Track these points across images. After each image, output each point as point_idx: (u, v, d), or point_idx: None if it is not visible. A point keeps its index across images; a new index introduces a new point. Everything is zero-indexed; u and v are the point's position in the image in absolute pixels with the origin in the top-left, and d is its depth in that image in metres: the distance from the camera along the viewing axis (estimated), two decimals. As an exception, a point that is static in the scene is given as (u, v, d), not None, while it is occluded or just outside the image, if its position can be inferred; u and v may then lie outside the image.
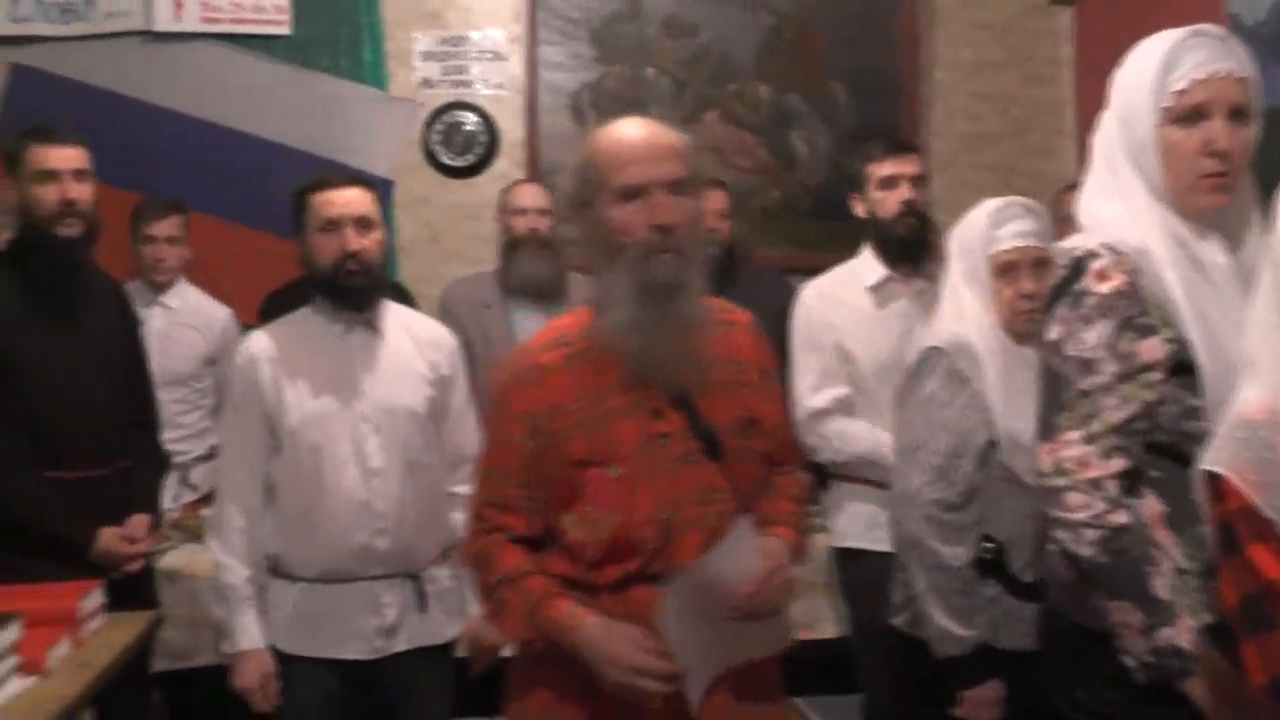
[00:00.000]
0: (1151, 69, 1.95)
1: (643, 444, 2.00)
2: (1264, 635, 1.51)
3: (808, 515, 2.32)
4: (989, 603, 2.51)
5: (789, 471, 2.25)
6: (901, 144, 3.54)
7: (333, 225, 2.67)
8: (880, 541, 2.86)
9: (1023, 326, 2.50)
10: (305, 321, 2.77)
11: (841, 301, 3.29)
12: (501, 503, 2.07)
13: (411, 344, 2.80)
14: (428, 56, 5.11)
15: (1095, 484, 1.88)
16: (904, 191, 3.27)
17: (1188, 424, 1.87)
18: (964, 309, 2.61)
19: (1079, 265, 1.94)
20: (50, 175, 2.97)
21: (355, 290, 2.69)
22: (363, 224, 2.68)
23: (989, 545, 2.51)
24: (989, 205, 2.65)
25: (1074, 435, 1.90)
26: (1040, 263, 2.47)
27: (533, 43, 5.07)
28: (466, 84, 5.13)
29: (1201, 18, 4.29)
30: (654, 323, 1.97)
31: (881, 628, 2.77)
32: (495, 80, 5.13)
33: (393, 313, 2.82)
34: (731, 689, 2.02)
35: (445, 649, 2.83)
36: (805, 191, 5.08)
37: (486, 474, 2.13)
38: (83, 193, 3.01)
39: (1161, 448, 1.91)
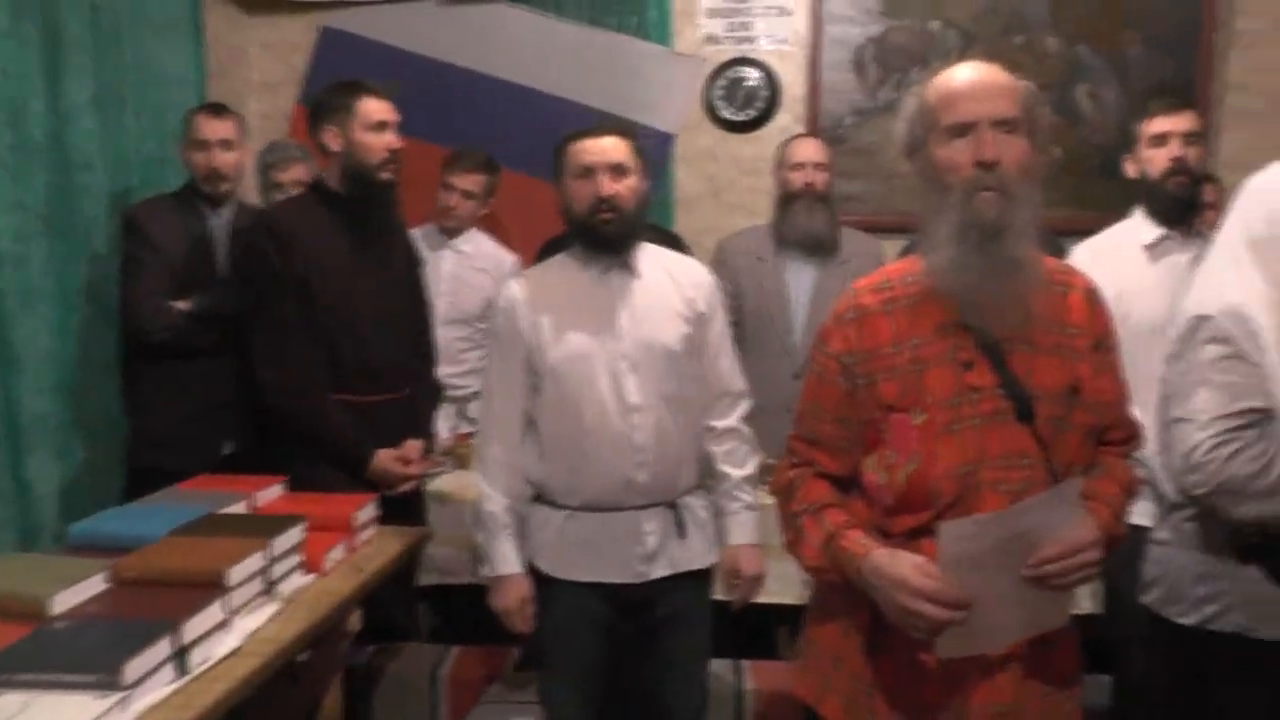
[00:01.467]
0: None
1: (952, 395, 1.97)
2: None
3: (1131, 504, 2.16)
4: (1249, 592, 2.34)
5: (1122, 453, 2.16)
6: (1176, 99, 3.38)
7: (587, 172, 2.76)
8: (1135, 514, 2.74)
9: None
10: (563, 266, 2.87)
11: (1116, 259, 3.17)
12: (812, 438, 2.11)
13: (668, 283, 2.86)
14: (713, 13, 5.18)
15: None
16: (1174, 148, 3.16)
17: None
18: (1244, 275, 2.35)
19: None
20: (382, 126, 3.24)
21: (608, 235, 2.77)
22: (617, 170, 2.76)
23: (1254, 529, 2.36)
24: None
25: None
26: None
27: (819, -3, 5.05)
28: (750, 40, 5.17)
29: None
30: (973, 263, 1.92)
31: (1133, 606, 2.62)
32: (779, 35, 5.15)
33: (649, 254, 2.89)
34: (1020, 663, 1.99)
35: (705, 575, 2.90)
36: (1091, 150, 4.87)
37: (803, 408, 2.15)
38: (399, 143, 3.27)
39: None
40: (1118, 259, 3.16)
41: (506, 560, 2.79)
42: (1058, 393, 1.98)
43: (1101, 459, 2.09)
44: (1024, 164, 1.93)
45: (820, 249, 4.11)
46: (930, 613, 1.84)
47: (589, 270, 2.82)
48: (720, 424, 2.91)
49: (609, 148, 2.78)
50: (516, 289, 2.86)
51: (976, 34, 4.92)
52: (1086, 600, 3.40)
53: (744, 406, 2.96)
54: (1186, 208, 3.20)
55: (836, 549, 1.98)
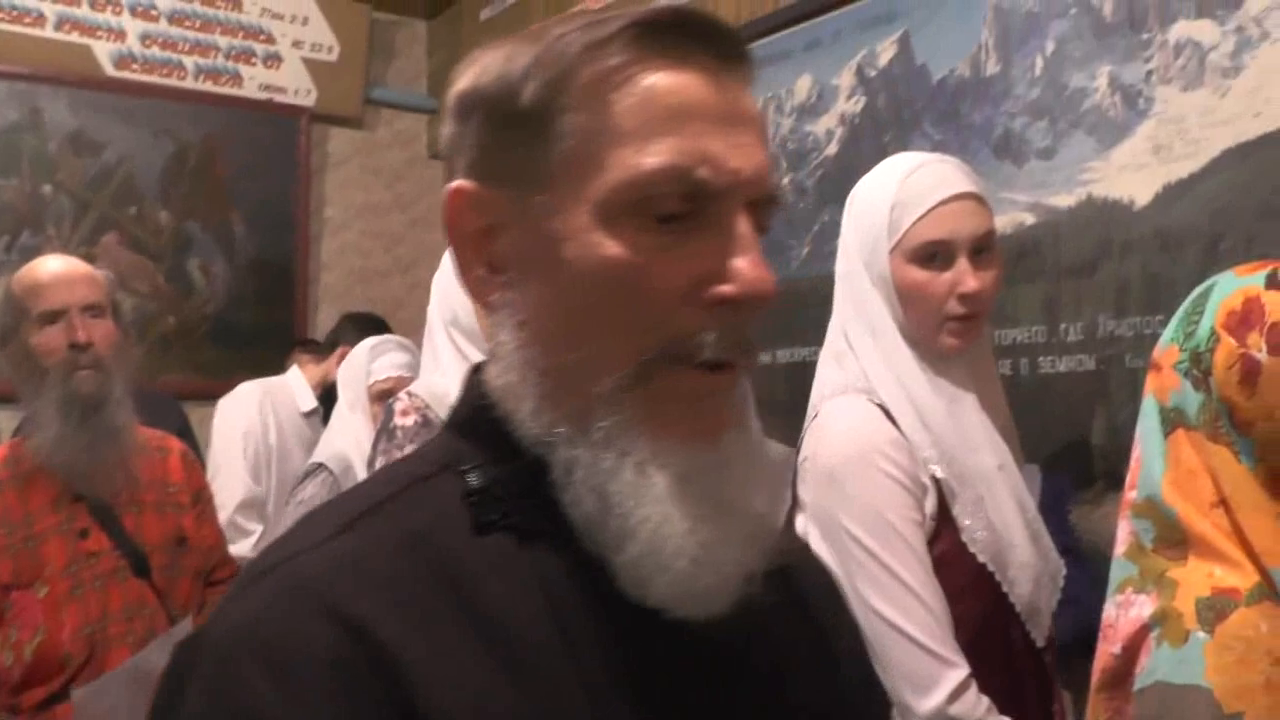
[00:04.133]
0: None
1: (70, 563, 2.13)
2: None
3: None
4: None
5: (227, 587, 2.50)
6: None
7: None
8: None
9: None
10: None
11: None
12: None
13: None
14: None
15: None
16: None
17: None
18: (349, 430, 2.96)
19: (390, 409, 2.31)
20: None
21: None
22: None
23: None
24: (367, 342, 3.06)
25: None
26: None
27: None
28: None
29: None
30: (78, 435, 2.15)
31: None
32: None
33: None
34: None
35: None
36: (202, 319, 5.07)
37: None
38: None
39: None
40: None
41: None
42: (167, 544, 2.28)
43: (209, 597, 2.40)
44: (113, 342, 2.23)
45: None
46: None
47: None
48: None
49: None
50: None
51: (90, 202, 4.91)
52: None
53: None
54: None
55: None
